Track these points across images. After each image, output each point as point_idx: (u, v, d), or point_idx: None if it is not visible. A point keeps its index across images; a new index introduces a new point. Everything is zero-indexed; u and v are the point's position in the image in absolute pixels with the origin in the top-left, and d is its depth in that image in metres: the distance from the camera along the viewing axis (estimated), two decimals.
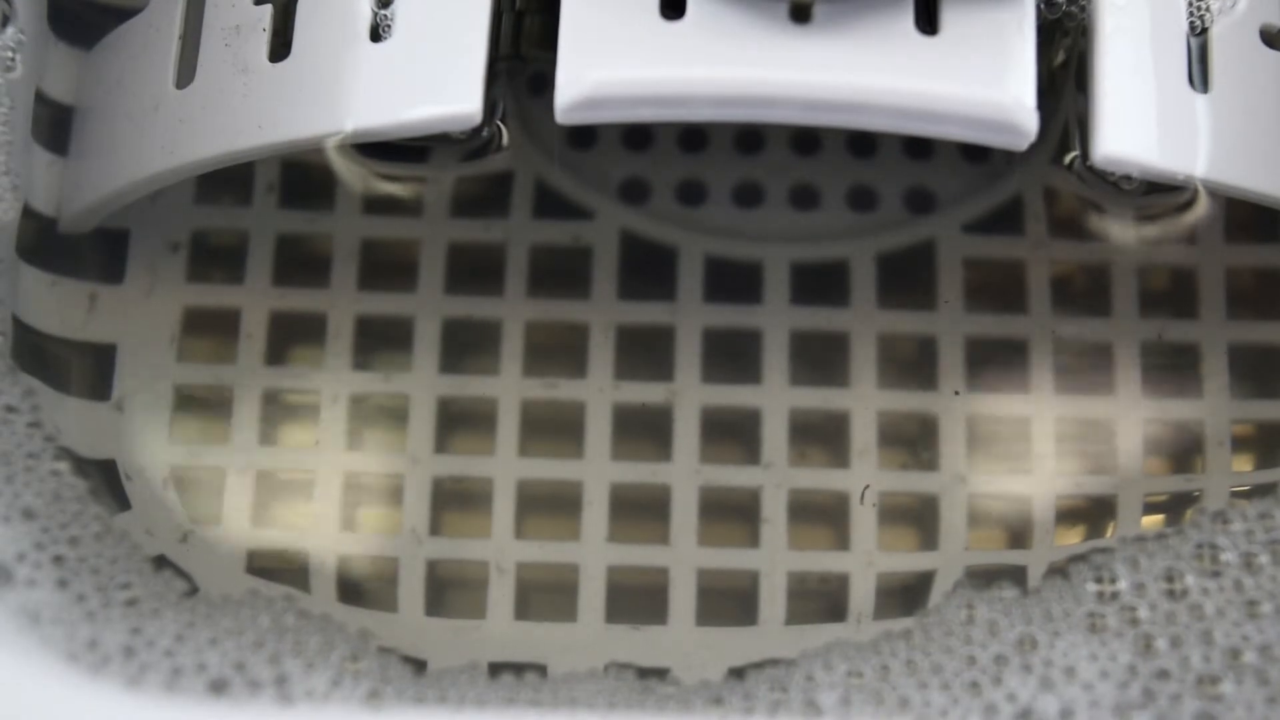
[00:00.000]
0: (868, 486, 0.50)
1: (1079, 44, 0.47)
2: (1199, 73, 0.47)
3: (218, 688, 0.44)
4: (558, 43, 0.44)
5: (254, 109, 0.47)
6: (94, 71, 0.51)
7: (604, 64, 0.44)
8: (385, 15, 0.47)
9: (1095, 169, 0.47)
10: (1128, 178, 0.48)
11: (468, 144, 0.52)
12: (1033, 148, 0.45)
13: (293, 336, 0.52)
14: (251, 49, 0.47)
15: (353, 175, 0.52)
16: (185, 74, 0.48)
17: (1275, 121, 0.47)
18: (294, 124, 0.47)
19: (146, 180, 0.49)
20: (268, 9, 0.48)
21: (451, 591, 0.50)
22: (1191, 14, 0.47)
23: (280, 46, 0.47)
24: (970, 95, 0.44)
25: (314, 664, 0.45)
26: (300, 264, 0.52)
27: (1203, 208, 0.51)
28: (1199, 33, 0.47)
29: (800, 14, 0.44)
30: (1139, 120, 0.46)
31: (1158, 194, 0.50)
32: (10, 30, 0.51)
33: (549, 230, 0.53)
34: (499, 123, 0.51)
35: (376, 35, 0.47)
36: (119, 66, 0.50)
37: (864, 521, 0.50)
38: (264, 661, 0.45)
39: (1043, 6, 0.46)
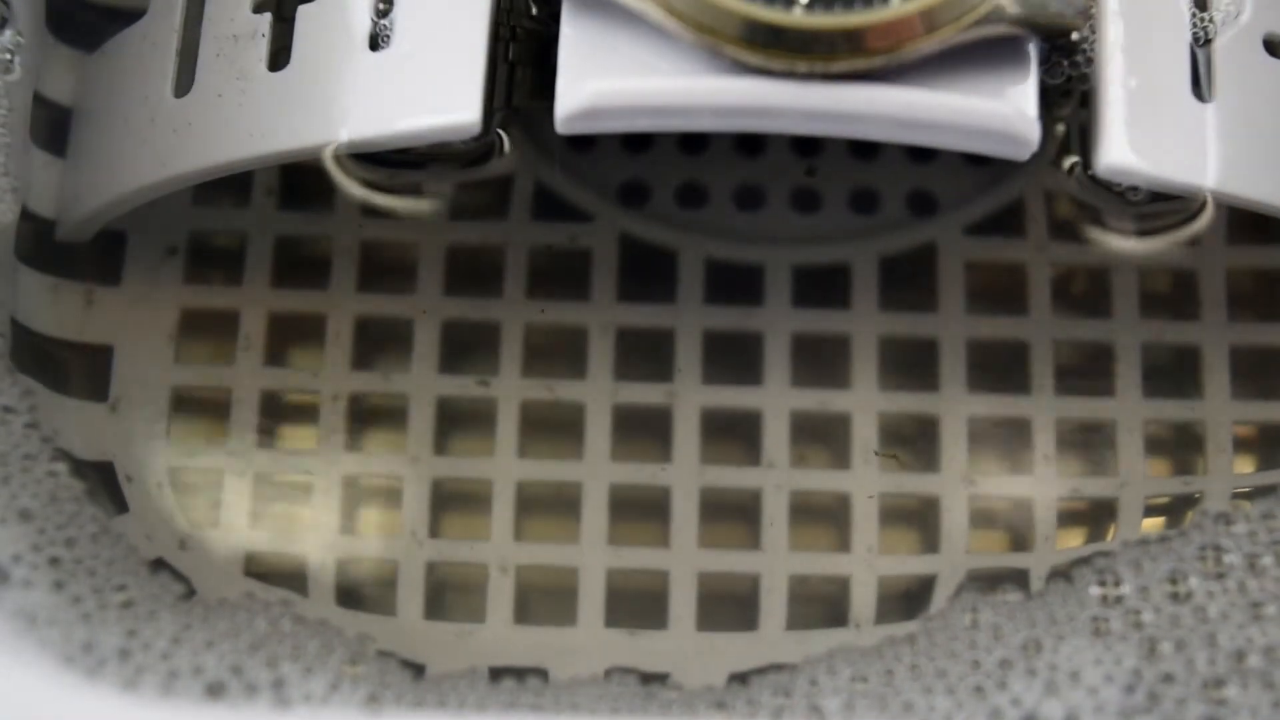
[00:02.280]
0: None
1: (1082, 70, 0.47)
2: (1203, 83, 0.46)
3: (214, 691, 0.44)
4: (557, 53, 0.44)
5: (252, 118, 0.47)
6: (92, 80, 0.51)
7: (603, 74, 0.44)
8: (384, 24, 0.46)
9: (1099, 179, 0.47)
10: (1134, 189, 0.48)
11: (467, 152, 0.52)
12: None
13: (291, 339, 0.52)
14: (250, 57, 0.47)
15: (352, 180, 0.52)
16: (183, 83, 0.48)
17: None
18: (292, 133, 0.46)
19: (143, 190, 0.48)
20: (266, 17, 0.48)
21: (451, 595, 0.50)
22: (1195, 25, 0.47)
23: (278, 55, 0.47)
24: (971, 105, 0.44)
25: (312, 668, 0.45)
26: (299, 267, 0.52)
27: (1205, 213, 0.51)
28: (1202, 43, 0.47)
29: None
30: (1143, 131, 0.45)
31: (1160, 199, 0.50)
32: (8, 32, 0.51)
33: (548, 233, 0.52)
34: (498, 129, 0.51)
35: (375, 44, 0.46)
36: (116, 75, 0.50)
37: (865, 524, 0.50)
38: (261, 665, 0.45)
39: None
